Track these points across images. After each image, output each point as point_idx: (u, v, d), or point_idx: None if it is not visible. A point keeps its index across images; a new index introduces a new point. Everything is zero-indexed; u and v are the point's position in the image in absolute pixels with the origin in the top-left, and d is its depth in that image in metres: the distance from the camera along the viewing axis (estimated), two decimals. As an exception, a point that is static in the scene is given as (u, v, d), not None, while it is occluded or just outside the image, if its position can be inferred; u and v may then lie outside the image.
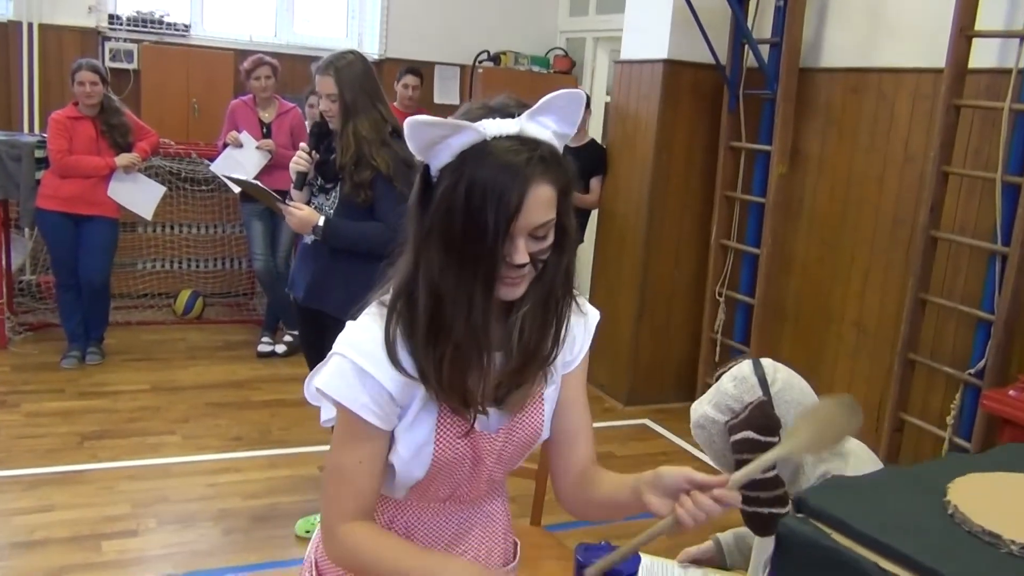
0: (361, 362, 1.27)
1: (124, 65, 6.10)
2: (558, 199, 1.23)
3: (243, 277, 6.50)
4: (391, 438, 1.33)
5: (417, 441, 1.31)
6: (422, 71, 6.12)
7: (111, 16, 6.23)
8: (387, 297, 1.32)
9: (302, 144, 3.29)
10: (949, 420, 3.68)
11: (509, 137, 1.20)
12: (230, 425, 4.42)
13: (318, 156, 3.23)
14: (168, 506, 3.59)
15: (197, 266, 6.36)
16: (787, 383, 1.80)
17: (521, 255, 1.21)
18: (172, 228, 6.24)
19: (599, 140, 5.86)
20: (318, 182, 3.24)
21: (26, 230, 5.61)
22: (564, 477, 1.47)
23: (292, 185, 3.28)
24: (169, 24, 6.41)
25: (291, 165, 3.26)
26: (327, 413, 1.38)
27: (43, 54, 6.04)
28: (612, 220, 5.22)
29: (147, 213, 5.28)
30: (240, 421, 4.48)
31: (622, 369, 5.18)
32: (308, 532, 3.42)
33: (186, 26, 6.49)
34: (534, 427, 1.41)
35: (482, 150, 1.19)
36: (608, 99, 6.41)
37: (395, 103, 5.51)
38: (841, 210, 4.43)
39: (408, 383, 1.28)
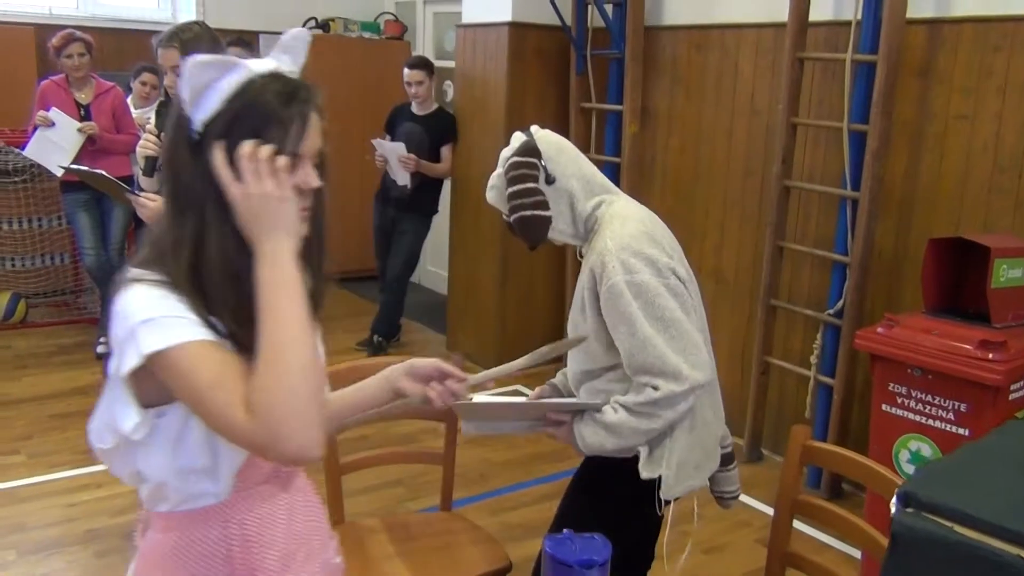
0: (171, 311, 1.18)
1: (-98, 46, 5.41)
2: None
3: (68, 273, 5.97)
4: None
5: None
6: (248, 42, 5.77)
7: None
8: (146, 274, 1.22)
9: (149, 126, 3.01)
10: (813, 360, 3.87)
11: (270, 73, 1.24)
12: (81, 437, 3.99)
13: (168, 139, 2.97)
14: (26, 534, 3.25)
15: (14, 264, 5.77)
16: (545, 132, 2.09)
17: (315, 178, 1.27)
18: (-19, 225, 5.64)
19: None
20: (170, 167, 2.98)
21: None
22: None
23: (141, 172, 3.00)
24: (-48, -1, 5.74)
25: (139, 149, 2.98)
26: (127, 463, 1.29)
27: None
28: (467, 188, 5.14)
29: (-48, 211, 4.74)
30: (91, 431, 4.11)
31: (488, 338, 5.15)
32: (191, 543, 3.19)
33: (-27, 0, 5.83)
34: None
35: (251, 88, 1.22)
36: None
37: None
38: (693, 165, 4.54)
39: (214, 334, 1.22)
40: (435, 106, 5.30)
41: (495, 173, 2.07)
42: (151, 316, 1.17)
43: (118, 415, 1.24)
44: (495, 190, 2.07)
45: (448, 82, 6.36)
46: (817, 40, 3.87)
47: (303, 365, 1.15)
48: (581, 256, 2.09)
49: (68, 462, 3.81)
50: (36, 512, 3.41)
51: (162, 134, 2.94)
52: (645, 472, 1.98)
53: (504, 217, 2.08)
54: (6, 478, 3.65)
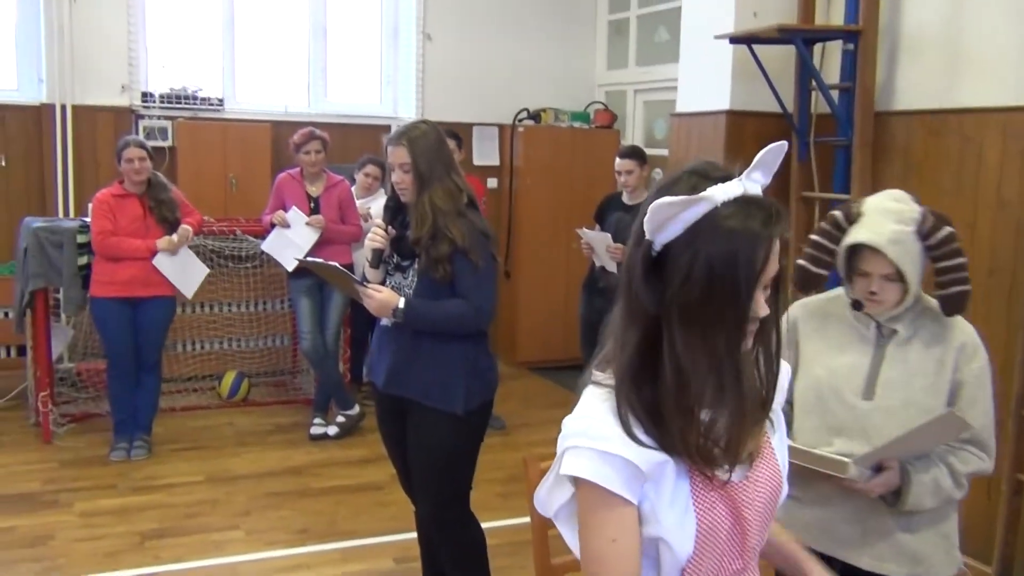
0: (598, 445, 1.26)
1: (159, 143, 5.95)
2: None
3: (287, 354, 6.27)
4: (653, 519, 1.28)
5: (679, 512, 1.29)
6: (459, 134, 5.93)
7: (144, 94, 6.14)
8: (602, 378, 1.33)
9: (378, 220, 3.09)
10: (1080, 481, 3.40)
11: (735, 200, 1.24)
12: (294, 516, 4.15)
13: (394, 232, 3.03)
14: (243, 613, 3.32)
15: (240, 345, 6.13)
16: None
17: (764, 308, 1.28)
18: (213, 307, 6.04)
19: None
20: (394, 259, 3.04)
21: (63, 317, 5.40)
22: None
23: (368, 264, 3.08)
24: (203, 99, 6.30)
25: (367, 242, 3.06)
26: (571, 535, 1.36)
27: (77, 136, 5.94)
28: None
29: (188, 292, 5.07)
30: (303, 511, 4.21)
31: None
32: (397, 637, 3.15)
33: (220, 100, 6.38)
34: (774, 476, 1.42)
35: (715, 217, 1.23)
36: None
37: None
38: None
39: (652, 457, 1.26)
40: (646, 195, 5.21)
41: (899, 228, 2.06)
42: (580, 444, 1.28)
43: (554, 495, 1.38)
44: (901, 245, 2.07)
45: (658, 170, 6.29)
46: (1078, 124, 3.50)
47: None
48: (881, 330, 2.21)
49: (283, 541, 3.90)
50: (252, 591, 3.48)
51: (389, 228, 3.02)
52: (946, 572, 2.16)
53: (891, 269, 2.10)
54: (227, 552, 3.77)
